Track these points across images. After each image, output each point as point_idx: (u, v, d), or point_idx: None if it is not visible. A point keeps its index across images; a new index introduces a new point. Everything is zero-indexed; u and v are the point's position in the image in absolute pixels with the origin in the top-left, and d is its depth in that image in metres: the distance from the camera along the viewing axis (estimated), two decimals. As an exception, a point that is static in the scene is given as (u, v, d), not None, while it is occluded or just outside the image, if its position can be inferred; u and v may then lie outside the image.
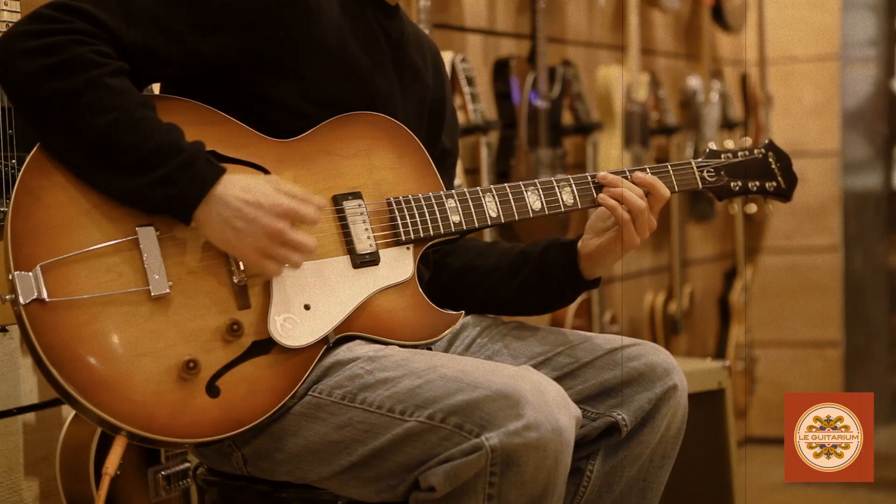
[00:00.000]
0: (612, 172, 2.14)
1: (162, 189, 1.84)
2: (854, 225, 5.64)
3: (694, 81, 5.02)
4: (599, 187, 2.14)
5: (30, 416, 2.52)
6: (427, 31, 3.17)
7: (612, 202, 2.11)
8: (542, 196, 2.13)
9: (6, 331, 2.39)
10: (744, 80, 5.55)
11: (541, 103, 3.82)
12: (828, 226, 5.56)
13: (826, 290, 5.57)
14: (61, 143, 1.86)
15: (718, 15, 5.18)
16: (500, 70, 3.76)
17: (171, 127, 1.87)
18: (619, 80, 4.34)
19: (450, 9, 3.61)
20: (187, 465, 2.55)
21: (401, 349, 1.98)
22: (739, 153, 2.28)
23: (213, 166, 1.87)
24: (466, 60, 3.44)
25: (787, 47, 5.56)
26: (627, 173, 2.15)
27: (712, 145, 2.29)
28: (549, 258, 2.16)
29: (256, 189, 1.87)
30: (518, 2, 3.95)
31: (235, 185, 1.87)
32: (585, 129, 4.07)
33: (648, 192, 2.13)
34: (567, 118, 4.06)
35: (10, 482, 2.49)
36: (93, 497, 2.42)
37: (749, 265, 5.51)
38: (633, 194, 2.11)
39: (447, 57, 3.38)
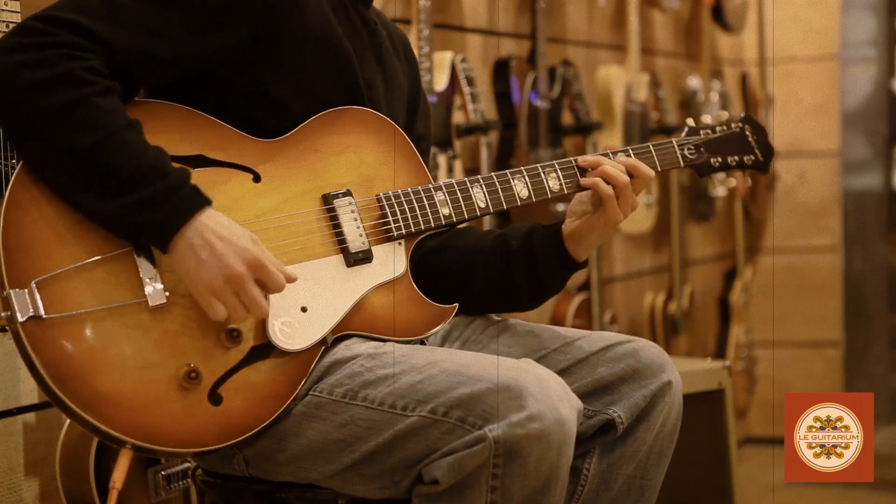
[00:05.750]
0: (593, 155, 2.16)
1: (143, 212, 1.81)
2: (854, 225, 5.64)
3: (694, 81, 5.02)
4: (584, 171, 2.15)
5: (30, 416, 2.52)
6: (427, 32, 3.17)
7: (595, 179, 2.11)
8: (529, 183, 2.14)
9: (6, 331, 2.39)
10: (744, 80, 5.55)
11: (541, 103, 3.82)
12: (828, 226, 5.56)
13: (826, 290, 5.57)
14: (43, 160, 1.83)
15: (718, 15, 5.18)
16: (500, 70, 3.77)
17: (157, 151, 1.85)
18: (619, 80, 4.34)
19: (450, 9, 3.61)
20: (187, 465, 2.55)
21: (400, 345, 1.98)
22: (717, 128, 2.30)
23: (198, 195, 1.85)
24: (466, 60, 3.44)
25: (787, 47, 5.56)
26: (610, 154, 2.15)
27: (690, 122, 2.31)
28: (533, 241, 2.15)
29: (235, 231, 1.85)
30: (518, 2, 3.95)
31: (216, 220, 1.84)
32: (585, 129, 4.07)
33: (632, 175, 2.13)
34: (567, 118, 4.06)
35: (10, 482, 2.49)
36: (93, 497, 2.42)
37: (749, 265, 5.51)
38: (616, 170, 2.12)
39: (447, 57, 3.38)
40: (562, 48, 4.20)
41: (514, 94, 3.75)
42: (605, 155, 2.16)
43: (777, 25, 5.52)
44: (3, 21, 2.15)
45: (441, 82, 3.35)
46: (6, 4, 2.16)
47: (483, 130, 3.47)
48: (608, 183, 2.11)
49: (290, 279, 1.89)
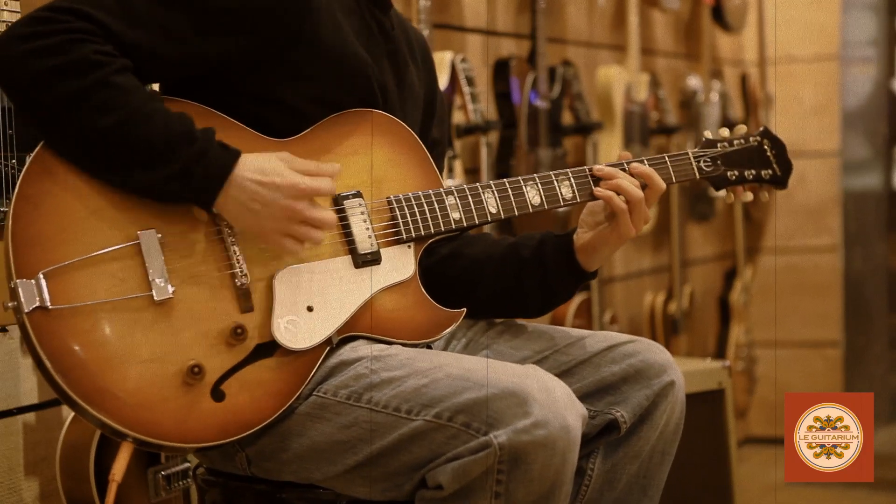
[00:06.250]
0: (609, 165, 2.14)
1: (179, 181, 1.85)
2: (854, 225, 5.64)
3: (694, 81, 5.02)
4: (597, 180, 2.14)
5: (30, 416, 2.52)
6: (427, 32, 3.17)
7: (609, 192, 2.10)
8: (542, 191, 2.13)
9: (6, 331, 2.39)
10: (744, 80, 5.55)
11: (541, 103, 3.82)
12: (828, 226, 5.56)
13: (826, 290, 5.57)
14: (72, 144, 1.85)
15: (718, 15, 5.18)
16: (500, 70, 3.77)
17: (181, 116, 1.88)
18: (619, 80, 4.34)
19: (450, 9, 3.61)
20: (187, 465, 2.55)
21: (405, 348, 1.98)
22: (735, 141, 2.27)
23: (227, 151, 1.88)
24: (466, 60, 3.44)
25: (787, 47, 5.56)
26: (625, 165, 2.15)
27: (708, 134, 2.29)
28: (545, 251, 2.15)
29: (271, 170, 1.89)
30: (518, 2, 3.95)
31: (250, 168, 1.88)
32: (585, 129, 4.07)
33: (645, 185, 2.13)
34: (567, 118, 4.06)
35: (10, 482, 2.49)
36: (93, 497, 2.42)
37: (749, 265, 5.51)
38: (631, 184, 2.11)
39: (447, 57, 3.38)
40: (562, 48, 4.20)
41: (514, 94, 3.75)
42: (620, 166, 2.15)
43: (777, 25, 5.52)
44: (4, 21, 2.16)
45: (441, 82, 3.35)
46: (6, 4, 2.16)
47: (483, 130, 3.47)
48: (620, 195, 2.10)
49: (333, 173, 1.94)
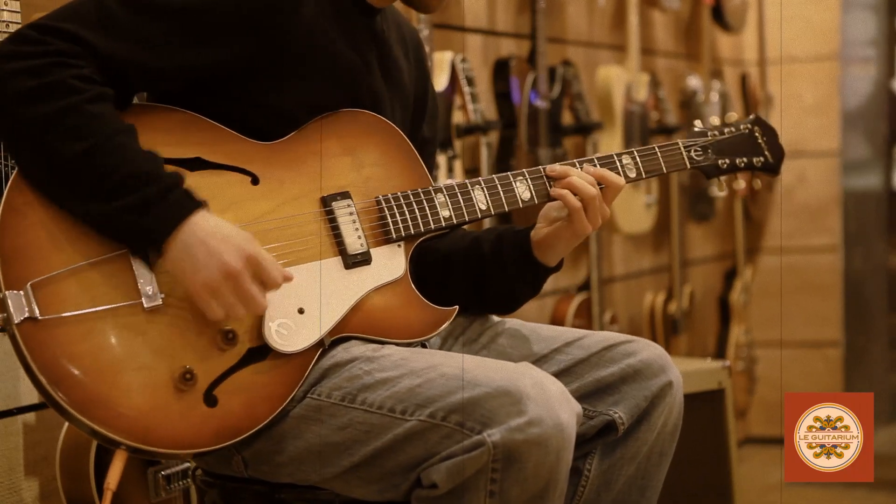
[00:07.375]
0: (561, 164, 2.13)
1: (133, 216, 1.82)
2: (854, 225, 5.64)
3: (694, 81, 5.02)
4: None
5: (30, 416, 2.52)
6: (427, 32, 3.17)
7: (563, 191, 2.09)
8: (531, 185, 2.12)
9: (5, 331, 2.39)
10: (744, 80, 5.55)
11: (541, 103, 3.82)
12: (828, 226, 5.56)
13: (826, 290, 5.57)
14: (36, 167, 1.84)
15: (718, 15, 5.19)
16: (500, 70, 3.77)
17: (150, 155, 1.85)
18: (619, 80, 4.34)
19: (450, 9, 3.61)
20: (187, 465, 2.55)
21: (399, 348, 1.98)
22: (726, 130, 2.27)
23: (190, 199, 1.85)
24: (466, 60, 3.45)
25: (787, 47, 5.56)
26: (577, 164, 2.14)
27: (698, 124, 2.28)
28: (502, 247, 2.14)
29: (229, 230, 1.85)
30: (518, 2, 3.95)
31: (209, 221, 1.85)
32: (585, 129, 4.07)
33: (602, 185, 2.11)
34: (567, 118, 4.06)
35: (10, 482, 2.49)
36: (93, 497, 2.42)
37: (749, 265, 5.51)
38: (584, 182, 2.09)
39: (447, 57, 3.38)
40: (562, 48, 4.21)
41: (514, 94, 3.75)
42: (573, 164, 2.13)
43: (777, 25, 5.52)
44: (4, 21, 2.15)
45: (441, 82, 3.35)
46: (6, 4, 2.16)
47: (483, 130, 3.47)
48: (575, 195, 2.09)
49: (287, 278, 1.89)
